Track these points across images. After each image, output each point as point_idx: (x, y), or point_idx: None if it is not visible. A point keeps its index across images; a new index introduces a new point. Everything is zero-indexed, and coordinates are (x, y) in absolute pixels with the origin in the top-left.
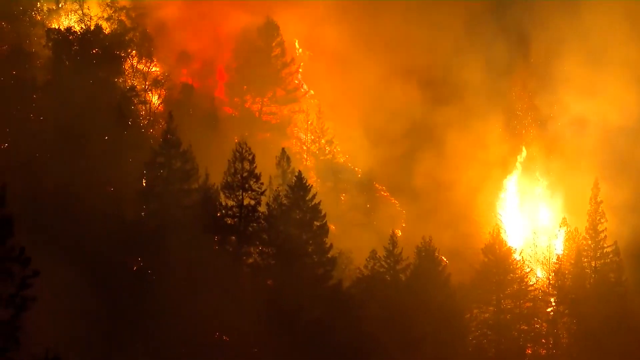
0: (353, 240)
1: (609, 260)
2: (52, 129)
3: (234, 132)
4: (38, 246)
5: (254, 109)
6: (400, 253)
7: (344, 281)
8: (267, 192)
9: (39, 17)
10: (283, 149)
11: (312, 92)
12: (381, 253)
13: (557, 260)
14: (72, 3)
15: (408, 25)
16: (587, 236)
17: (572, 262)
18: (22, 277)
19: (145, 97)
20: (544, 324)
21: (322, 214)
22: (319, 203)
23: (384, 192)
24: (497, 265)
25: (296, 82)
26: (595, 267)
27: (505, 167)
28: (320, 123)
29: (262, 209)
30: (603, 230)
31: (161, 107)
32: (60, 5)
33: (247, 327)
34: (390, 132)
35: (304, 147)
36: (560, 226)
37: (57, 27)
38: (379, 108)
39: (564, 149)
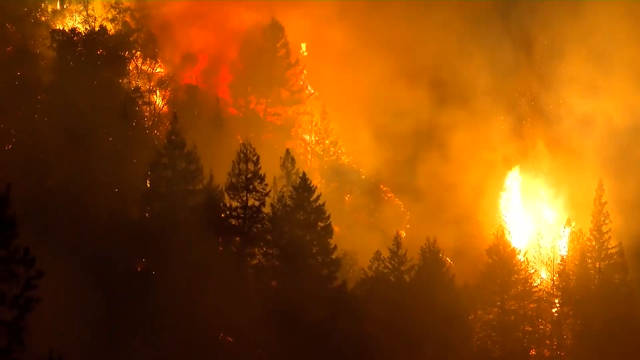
0: (357, 241)
1: (613, 261)
2: (56, 129)
3: (239, 133)
4: (42, 247)
5: (258, 110)
6: (405, 254)
7: (348, 282)
8: (271, 193)
9: (43, 18)
10: (287, 150)
11: (316, 93)
12: (385, 254)
13: (561, 261)
14: (77, 4)
15: (412, 26)
16: (591, 237)
17: (577, 263)
18: (26, 278)
19: (149, 98)
20: (548, 325)
21: (327, 215)
22: (323, 204)
23: (389, 193)
24: (502, 266)
25: (301, 83)
26: (599, 268)
27: (509, 167)
28: (325, 124)
29: (267, 209)
30: (607, 231)
31: (166, 108)
32: (64, 7)
33: (251, 328)
34: (395, 133)
35: (309, 148)
36: (564, 227)
37: (61, 28)
38: (383, 109)
39: (568, 149)
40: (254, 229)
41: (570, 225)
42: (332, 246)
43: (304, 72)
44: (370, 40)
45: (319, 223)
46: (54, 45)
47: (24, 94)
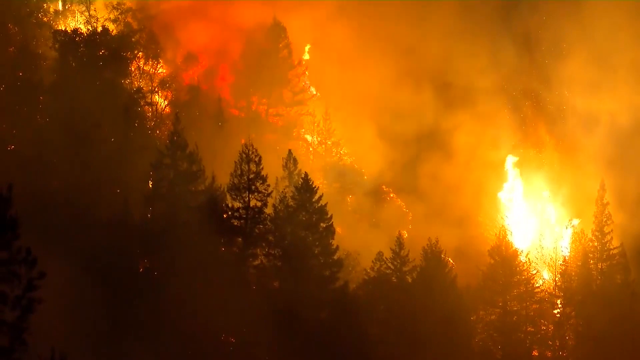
0: (359, 242)
1: (615, 261)
2: (58, 130)
3: (241, 133)
4: (44, 247)
5: (260, 111)
6: (407, 255)
7: (350, 283)
8: (273, 194)
9: (45, 19)
10: (290, 150)
11: (318, 94)
12: (388, 255)
13: (563, 262)
14: (79, 5)
15: (415, 27)
16: (593, 238)
17: (579, 264)
18: (28, 279)
19: (151, 98)
20: (550, 325)
21: (329, 215)
22: (326, 205)
23: (391, 194)
24: (504, 266)
25: (303, 84)
26: (601, 268)
27: (511, 168)
28: (327, 124)
29: (269, 210)
30: (609, 232)
31: (168, 109)
32: (66, 7)
33: (253, 329)
34: (397, 133)
35: (311, 149)
36: (566, 227)
37: (63, 29)
38: (386, 110)
39: (571, 149)
40: (256, 230)
41: (572, 225)
42: (334, 247)
43: (306, 73)
44: (373, 41)
45: (321, 224)
46: (56, 45)
47: (26, 94)
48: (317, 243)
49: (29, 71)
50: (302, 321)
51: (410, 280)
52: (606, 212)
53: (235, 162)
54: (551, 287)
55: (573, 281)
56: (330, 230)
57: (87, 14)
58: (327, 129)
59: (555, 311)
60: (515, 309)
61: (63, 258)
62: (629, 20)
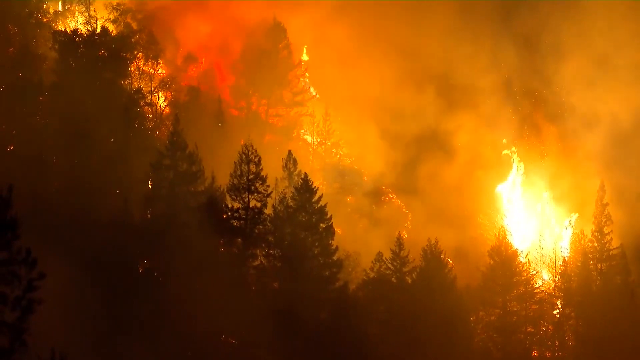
0: (359, 242)
1: (615, 262)
2: (58, 130)
3: (240, 134)
4: (44, 248)
5: (260, 111)
6: (407, 255)
7: (350, 283)
8: (273, 194)
9: (45, 20)
10: (289, 151)
11: (318, 96)
12: (387, 255)
13: (563, 262)
14: (79, 5)
15: (415, 28)
16: (593, 238)
17: (578, 264)
18: (28, 279)
19: (151, 99)
20: (550, 326)
21: (328, 216)
22: (325, 205)
23: (391, 194)
24: (503, 267)
25: (303, 84)
26: (601, 269)
27: (511, 168)
28: (327, 125)
29: (268, 211)
30: (609, 233)
31: (167, 109)
32: (66, 8)
33: (253, 329)
34: (397, 134)
35: (310, 150)
36: (566, 228)
37: (63, 30)
38: (386, 110)
39: (571, 149)
40: (256, 230)
41: (572, 226)
42: (334, 247)
43: (307, 74)
44: (373, 41)
45: (321, 224)
46: (56, 46)
47: (26, 95)
48: (316, 244)
49: (28, 72)
50: (302, 322)
51: (410, 280)
52: (606, 212)
53: (235, 162)
54: (551, 288)
55: (573, 282)
56: (330, 231)
57: (86, 14)
58: (327, 129)
59: (555, 312)
60: (515, 309)
61: (63, 259)
62: (629, 20)
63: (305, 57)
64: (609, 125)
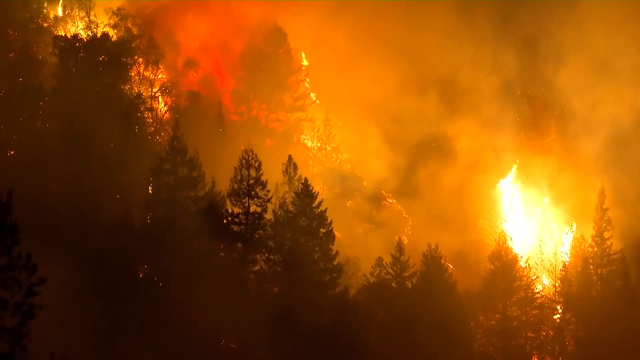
0: (359, 247)
1: (615, 267)
2: (58, 135)
3: (241, 139)
4: (44, 252)
5: (260, 116)
6: (407, 260)
7: (350, 288)
8: (273, 199)
9: (45, 25)
10: (290, 156)
11: (317, 101)
12: (387, 260)
13: (563, 267)
14: (79, 10)
15: (415, 32)
16: (593, 243)
17: (579, 269)
18: (28, 284)
19: (151, 104)
20: (550, 331)
21: (329, 221)
22: (325, 210)
23: (391, 199)
24: (504, 272)
25: (303, 89)
26: (601, 274)
27: (511, 173)
28: (327, 130)
29: (269, 216)
30: (609, 237)
31: (168, 114)
32: (67, 13)
33: (253, 334)
34: (397, 138)
35: (311, 154)
36: (566, 233)
37: (63, 35)
38: (386, 115)
39: (572, 153)
40: (256, 235)
41: (572, 231)
42: (334, 252)
43: (307, 79)
44: (374, 46)
45: (321, 229)
46: (56, 51)
47: (26, 99)
48: (317, 248)
49: (29, 76)
50: (302, 327)
51: (410, 285)
52: (606, 217)
53: (235, 167)
54: (551, 293)
55: (573, 287)
56: (330, 236)
57: (87, 19)
58: (327, 134)
59: (555, 317)
60: (515, 314)
61: (63, 263)
62: (629, 23)
63: (305, 62)
64: (609, 128)
